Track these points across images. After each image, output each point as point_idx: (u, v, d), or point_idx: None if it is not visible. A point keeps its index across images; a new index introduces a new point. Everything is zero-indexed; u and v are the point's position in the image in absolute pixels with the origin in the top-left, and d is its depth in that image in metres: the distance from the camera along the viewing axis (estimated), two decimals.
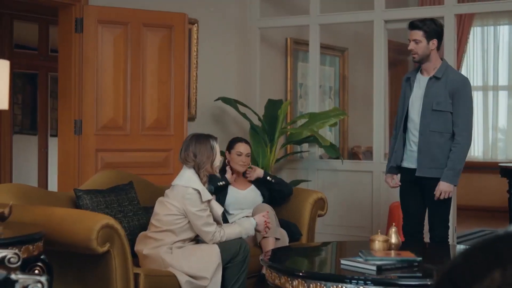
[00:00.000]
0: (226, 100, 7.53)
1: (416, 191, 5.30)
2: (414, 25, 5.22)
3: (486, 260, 1.29)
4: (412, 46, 5.19)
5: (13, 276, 2.10)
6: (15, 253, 2.62)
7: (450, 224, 5.46)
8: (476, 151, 11.43)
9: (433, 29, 5.17)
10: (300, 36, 8.71)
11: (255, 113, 7.67)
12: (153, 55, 6.52)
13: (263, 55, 8.36)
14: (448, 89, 5.10)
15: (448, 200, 5.20)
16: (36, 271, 3.81)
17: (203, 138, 4.72)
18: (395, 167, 5.39)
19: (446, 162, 5.10)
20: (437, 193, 5.11)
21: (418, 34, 5.16)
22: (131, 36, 6.41)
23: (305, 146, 8.34)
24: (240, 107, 7.58)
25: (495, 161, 10.81)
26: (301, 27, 8.44)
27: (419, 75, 5.29)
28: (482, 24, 11.22)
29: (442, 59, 5.29)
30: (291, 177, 7.92)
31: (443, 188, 5.09)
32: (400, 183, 5.41)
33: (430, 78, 5.18)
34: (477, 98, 11.32)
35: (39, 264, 3.85)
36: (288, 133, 7.86)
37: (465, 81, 5.23)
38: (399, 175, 5.42)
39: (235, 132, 7.85)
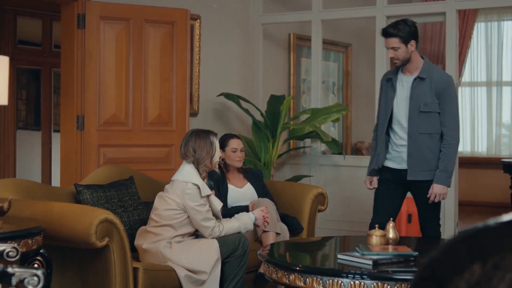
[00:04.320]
0: (228, 96, 7.55)
1: (398, 192, 5.25)
2: (388, 33, 5.08)
3: (466, 253, 1.30)
4: (391, 54, 5.07)
5: (9, 270, 2.12)
6: (14, 247, 2.63)
7: (441, 222, 5.44)
8: (480, 147, 11.41)
9: (408, 31, 5.03)
10: (303, 32, 8.72)
11: (257, 108, 7.69)
12: (155, 51, 6.54)
13: (266, 51, 8.38)
14: (433, 89, 5.03)
15: (439, 204, 5.19)
16: (36, 265, 3.84)
17: (203, 134, 4.75)
18: (376, 170, 5.31)
19: (437, 164, 5.04)
20: (431, 196, 5.05)
21: (395, 41, 5.03)
22: (133, 32, 6.43)
23: (308, 141, 8.35)
24: (243, 103, 7.60)
25: (499, 157, 10.80)
26: (304, 23, 8.44)
27: (401, 75, 5.18)
28: (486, 19, 11.20)
29: (422, 57, 5.19)
30: (293, 173, 7.95)
31: (437, 191, 5.04)
32: (376, 186, 5.35)
33: (415, 79, 5.09)
34: (481, 94, 11.31)
35: (38, 258, 3.87)
36: (291, 128, 7.87)
37: (450, 80, 5.15)
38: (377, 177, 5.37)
39: (238, 128, 7.87)
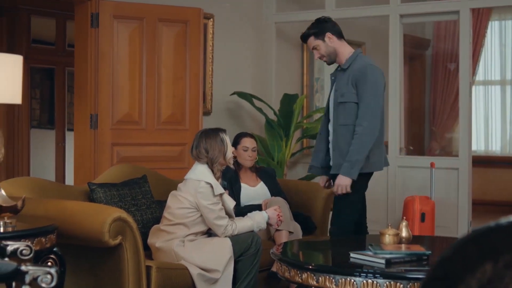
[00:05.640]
0: (241, 95, 7.56)
1: None
2: (303, 37, 5.01)
3: (478, 252, 1.30)
4: (316, 54, 4.98)
5: (23, 268, 2.13)
6: (28, 245, 2.65)
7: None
8: (494, 145, 11.37)
9: (319, 27, 4.93)
10: None
11: (270, 107, 7.69)
12: (168, 50, 6.55)
13: (279, 49, 8.38)
14: (350, 79, 4.78)
15: (348, 199, 4.83)
16: (49, 263, 3.86)
17: (212, 133, 4.75)
18: (318, 168, 5.11)
19: None
20: (334, 187, 4.81)
21: (311, 41, 4.95)
22: (146, 31, 6.44)
23: None
24: (256, 102, 7.60)
25: None
26: None
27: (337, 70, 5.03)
28: (500, 18, 11.16)
29: (356, 50, 4.97)
30: (306, 171, 7.94)
31: (339, 182, 4.74)
32: (326, 185, 5.19)
33: (338, 71, 4.95)
34: (494, 92, 11.27)
35: (52, 256, 3.89)
36: (304, 127, 7.87)
37: (366, 68, 4.78)
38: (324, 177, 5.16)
39: (251, 127, 7.88)
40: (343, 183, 4.75)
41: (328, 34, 4.90)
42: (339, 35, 4.96)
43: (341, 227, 4.87)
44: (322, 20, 5.00)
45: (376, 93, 4.76)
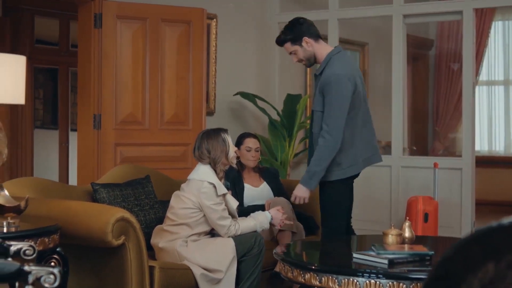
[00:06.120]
0: (245, 95, 7.56)
1: None
2: (279, 42, 4.86)
3: (480, 252, 1.30)
4: (294, 59, 4.86)
5: (26, 268, 2.14)
6: (31, 246, 2.66)
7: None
8: (497, 146, 11.36)
9: (295, 32, 4.77)
10: (320, 31, 8.68)
11: (274, 107, 7.69)
12: (171, 50, 6.55)
13: (282, 49, 8.32)
14: (319, 87, 4.66)
15: (329, 203, 4.79)
16: (52, 263, 3.86)
17: (213, 133, 4.75)
18: None
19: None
20: (292, 197, 4.77)
21: (288, 47, 4.81)
22: (149, 32, 6.45)
23: None
24: (259, 102, 7.60)
25: None
26: (321, 22, 8.42)
27: None
28: (503, 18, 11.15)
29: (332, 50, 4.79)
30: None
31: (296, 192, 4.74)
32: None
33: (315, 76, 4.81)
34: (498, 92, 11.26)
35: (55, 256, 3.89)
36: (307, 127, 7.87)
37: (331, 77, 4.59)
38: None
39: (254, 127, 7.88)
40: (301, 194, 4.74)
41: (305, 39, 4.76)
42: (316, 37, 4.81)
43: (333, 229, 4.81)
44: (297, 23, 4.82)
45: (338, 102, 4.58)
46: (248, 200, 5.62)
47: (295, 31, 4.77)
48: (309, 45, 4.76)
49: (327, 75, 4.62)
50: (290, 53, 4.86)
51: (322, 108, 4.63)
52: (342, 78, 4.58)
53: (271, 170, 5.96)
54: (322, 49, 4.79)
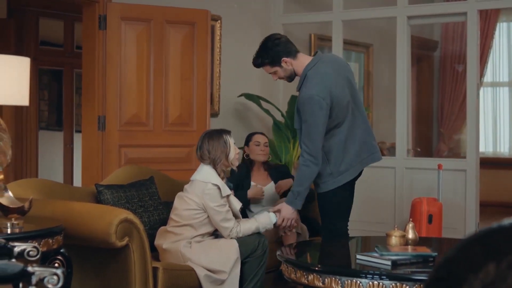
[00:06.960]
0: (249, 96, 7.56)
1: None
2: (256, 65, 4.76)
3: (481, 252, 1.30)
4: (274, 77, 4.77)
5: (30, 269, 2.14)
6: (34, 247, 2.66)
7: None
8: (503, 147, 11.35)
9: (272, 54, 4.64)
10: (324, 32, 8.71)
11: (278, 109, 7.69)
12: (176, 52, 6.56)
13: None
14: (296, 105, 4.61)
15: (327, 206, 4.75)
16: (56, 264, 3.87)
17: (215, 134, 4.76)
18: None
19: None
20: (279, 219, 4.74)
21: (268, 69, 4.71)
22: (154, 33, 6.45)
23: None
24: (263, 103, 7.60)
25: None
26: (325, 23, 8.43)
27: None
28: (508, 19, 11.14)
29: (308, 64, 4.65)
30: None
31: (284, 214, 4.72)
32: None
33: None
34: (503, 94, 11.25)
35: (59, 257, 3.90)
36: None
37: (304, 98, 4.49)
38: None
39: (258, 128, 7.88)
40: (289, 216, 4.72)
41: (284, 59, 4.64)
42: (294, 53, 4.68)
43: (333, 231, 4.79)
44: (272, 45, 4.67)
45: (316, 123, 4.47)
46: (251, 198, 5.60)
47: (271, 54, 4.65)
48: (288, 64, 4.65)
49: (301, 96, 4.55)
50: (269, 74, 4.79)
51: (301, 126, 4.57)
52: (314, 98, 4.46)
53: (281, 168, 5.96)
54: (300, 65, 4.66)
